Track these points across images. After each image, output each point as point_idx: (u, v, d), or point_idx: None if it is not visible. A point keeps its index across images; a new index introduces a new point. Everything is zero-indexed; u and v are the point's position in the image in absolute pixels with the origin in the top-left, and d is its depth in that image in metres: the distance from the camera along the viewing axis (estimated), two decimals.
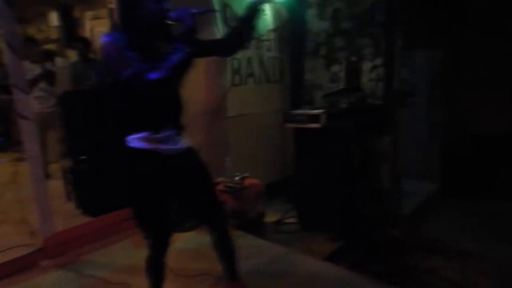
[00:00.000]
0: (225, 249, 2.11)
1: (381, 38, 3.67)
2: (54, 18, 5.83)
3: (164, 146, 1.79)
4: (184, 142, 1.89)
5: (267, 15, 4.03)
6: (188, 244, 2.99)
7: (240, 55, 3.75)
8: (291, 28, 4.18)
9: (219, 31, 3.45)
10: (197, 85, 3.35)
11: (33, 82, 4.32)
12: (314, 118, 3.13)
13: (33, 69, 4.36)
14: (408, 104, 5.12)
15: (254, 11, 1.90)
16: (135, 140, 1.77)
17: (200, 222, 2.10)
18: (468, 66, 4.85)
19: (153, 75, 1.58)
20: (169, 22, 1.68)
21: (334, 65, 3.98)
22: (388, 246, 3.55)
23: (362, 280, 2.58)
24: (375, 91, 3.76)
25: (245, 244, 2.89)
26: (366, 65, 3.78)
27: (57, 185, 3.92)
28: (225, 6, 3.55)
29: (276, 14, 4.09)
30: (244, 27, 1.95)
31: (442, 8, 4.49)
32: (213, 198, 2.05)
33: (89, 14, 5.67)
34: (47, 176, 4.41)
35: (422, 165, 5.06)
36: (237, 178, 3.25)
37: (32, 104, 4.36)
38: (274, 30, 4.11)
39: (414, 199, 4.44)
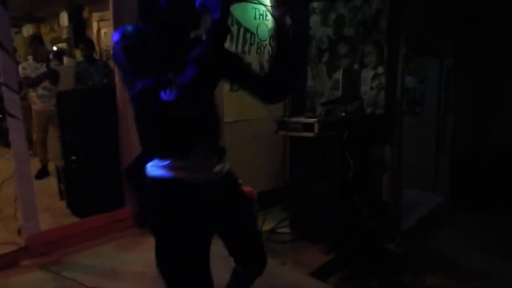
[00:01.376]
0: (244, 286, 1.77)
1: (384, 45, 3.56)
2: (65, 18, 5.92)
3: (191, 175, 1.37)
4: (220, 168, 1.48)
5: (269, 21, 3.96)
6: None
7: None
8: (294, 34, 4.10)
9: None
10: None
11: (37, 81, 4.38)
12: (308, 127, 3.01)
13: (38, 68, 4.41)
14: (417, 112, 4.99)
15: (282, 29, 1.41)
16: (155, 168, 1.36)
17: (237, 261, 1.67)
18: (481, 74, 4.68)
19: (164, 95, 1.12)
20: (195, 12, 1.20)
21: (336, 72, 3.88)
22: (384, 260, 3.41)
23: None
24: (377, 100, 3.65)
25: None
26: (369, 73, 3.67)
27: (54, 183, 3.94)
28: None
29: None
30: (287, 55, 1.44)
31: (454, 12, 4.34)
32: (256, 238, 1.70)
33: (96, 15, 5.74)
34: (47, 173, 4.46)
35: (430, 176, 4.91)
36: None
37: (35, 102, 4.46)
38: None
39: (417, 211, 4.30)
